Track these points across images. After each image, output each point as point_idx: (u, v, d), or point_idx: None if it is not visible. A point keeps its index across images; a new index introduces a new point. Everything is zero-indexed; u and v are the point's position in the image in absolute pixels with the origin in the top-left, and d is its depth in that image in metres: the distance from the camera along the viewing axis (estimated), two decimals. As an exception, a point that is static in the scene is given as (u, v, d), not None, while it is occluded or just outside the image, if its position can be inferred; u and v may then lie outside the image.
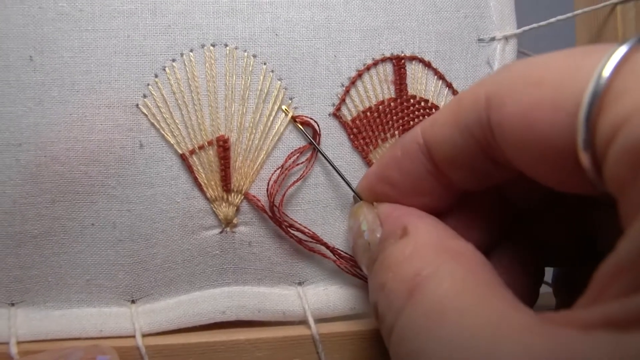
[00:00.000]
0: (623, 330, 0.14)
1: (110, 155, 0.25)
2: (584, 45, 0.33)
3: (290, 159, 0.26)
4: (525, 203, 0.25)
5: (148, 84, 0.25)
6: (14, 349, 0.23)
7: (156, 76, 0.25)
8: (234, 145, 0.26)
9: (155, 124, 0.25)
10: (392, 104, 0.28)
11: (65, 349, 0.23)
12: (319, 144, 0.26)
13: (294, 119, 0.26)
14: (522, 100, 0.18)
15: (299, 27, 0.26)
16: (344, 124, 0.27)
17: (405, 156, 0.23)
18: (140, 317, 0.25)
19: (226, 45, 0.26)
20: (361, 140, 0.27)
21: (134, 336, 0.24)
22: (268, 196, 0.26)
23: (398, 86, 0.28)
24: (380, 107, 0.28)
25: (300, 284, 0.27)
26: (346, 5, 0.27)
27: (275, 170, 0.26)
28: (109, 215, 0.25)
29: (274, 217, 0.26)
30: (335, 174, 0.27)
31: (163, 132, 0.25)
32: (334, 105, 0.27)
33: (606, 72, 0.16)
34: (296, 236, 0.26)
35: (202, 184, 0.25)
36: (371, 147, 0.27)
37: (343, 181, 0.26)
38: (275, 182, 0.26)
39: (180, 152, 0.25)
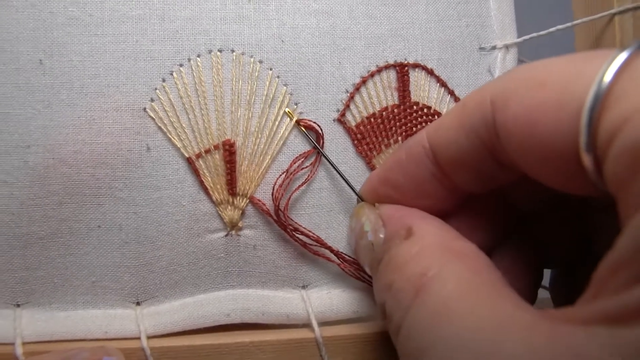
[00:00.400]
0: (621, 324, 0.14)
1: (118, 158, 0.25)
2: (583, 54, 0.33)
3: (295, 163, 0.27)
4: (527, 205, 0.25)
5: (156, 88, 0.25)
6: (19, 350, 0.23)
7: (164, 80, 0.25)
8: (240, 150, 0.26)
9: (162, 127, 0.25)
10: (395, 110, 0.28)
11: (70, 350, 0.23)
12: (322, 147, 0.27)
13: (297, 122, 0.27)
14: (525, 101, 0.18)
15: (304, 34, 0.27)
16: (348, 130, 0.27)
17: (409, 159, 0.23)
18: (145, 319, 0.25)
19: (233, 51, 0.26)
20: (365, 146, 0.28)
21: (139, 338, 0.24)
22: (273, 200, 0.26)
23: (401, 93, 0.28)
24: (384, 113, 0.28)
25: (304, 287, 0.27)
26: (351, 13, 0.27)
27: (281, 175, 0.26)
28: (116, 218, 0.25)
29: (279, 220, 0.26)
30: (339, 178, 0.27)
31: (170, 136, 0.25)
32: (338, 111, 0.27)
33: (607, 76, 0.16)
34: (301, 240, 0.26)
35: (208, 187, 0.26)
36: (375, 152, 0.28)
37: (347, 185, 0.27)
38: (280, 186, 0.26)
39: (186, 155, 0.26)
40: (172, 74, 0.25)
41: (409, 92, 0.28)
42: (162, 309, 0.26)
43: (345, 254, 0.27)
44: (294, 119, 0.27)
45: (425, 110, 0.28)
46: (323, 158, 0.27)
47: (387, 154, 0.28)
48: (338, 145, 0.27)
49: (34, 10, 0.24)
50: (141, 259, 0.25)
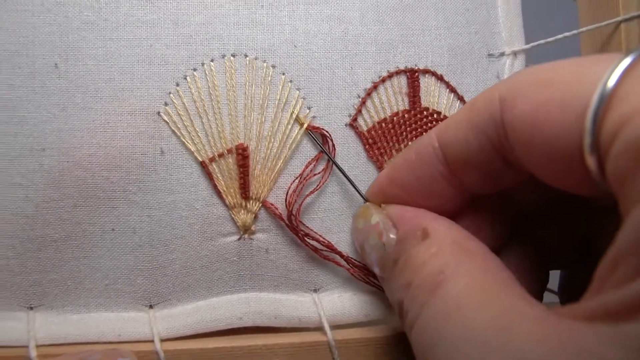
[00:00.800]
0: (623, 318, 0.15)
1: (132, 162, 0.25)
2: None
3: (307, 167, 0.27)
4: (530, 208, 0.25)
5: (169, 93, 0.25)
6: (33, 353, 0.23)
7: (177, 85, 0.26)
8: (253, 154, 0.26)
9: (176, 131, 0.26)
10: (406, 115, 0.28)
11: (83, 352, 0.23)
12: (334, 153, 0.27)
13: (307, 128, 0.27)
14: (532, 100, 0.19)
15: (317, 39, 0.27)
16: (360, 134, 0.28)
17: (419, 159, 0.23)
18: (159, 322, 0.25)
19: (246, 56, 0.26)
20: (376, 151, 0.28)
21: (152, 341, 0.24)
22: (287, 205, 0.26)
23: (412, 98, 0.28)
24: (395, 118, 0.28)
25: (315, 290, 0.27)
26: (362, 19, 0.28)
27: (294, 180, 0.26)
28: (129, 221, 0.25)
29: (291, 225, 0.26)
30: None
31: (184, 140, 0.26)
32: (350, 115, 0.28)
33: (612, 79, 0.17)
34: (312, 245, 0.27)
35: (222, 191, 0.26)
36: (386, 157, 0.28)
37: (356, 189, 0.27)
38: (294, 191, 0.26)
39: (200, 159, 0.26)
40: (185, 78, 0.26)
41: (419, 98, 0.29)
42: (175, 312, 0.26)
43: (355, 259, 0.27)
44: (305, 125, 0.27)
45: (435, 115, 0.29)
46: (334, 164, 0.27)
47: (397, 158, 0.28)
48: (350, 150, 0.28)
49: (50, 14, 0.25)
50: (154, 262, 0.25)
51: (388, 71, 0.28)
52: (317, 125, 0.27)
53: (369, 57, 0.28)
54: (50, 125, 0.24)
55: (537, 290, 0.25)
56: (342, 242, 0.27)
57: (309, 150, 0.27)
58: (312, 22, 0.27)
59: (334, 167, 0.27)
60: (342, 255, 0.27)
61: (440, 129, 0.23)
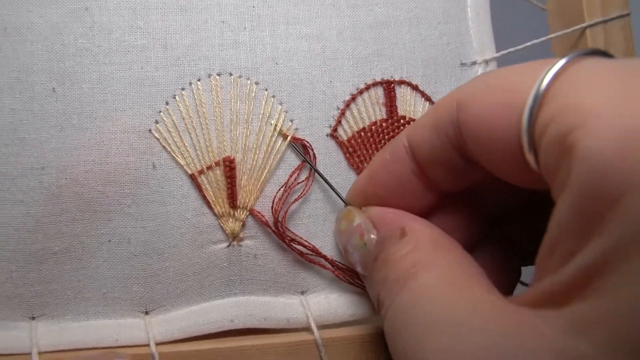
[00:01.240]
0: (560, 304, 0.16)
1: (126, 177, 0.27)
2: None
3: (292, 176, 0.28)
4: (499, 206, 0.27)
5: (160, 111, 0.27)
6: (35, 359, 0.25)
7: (167, 104, 0.27)
8: (239, 165, 0.28)
9: (167, 147, 0.27)
10: (384, 124, 0.30)
11: (82, 356, 0.24)
12: (315, 161, 0.29)
13: (291, 140, 0.28)
14: (482, 102, 0.21)
15: (297, 57, 0.29)
16: (340, 144, 0.29)
17: (393, 158, 0.25)
18: (154, 327, 0.26)
19: (231, 74, 0.28)
20: (356, 159, 0.30)
21: (148, 345, 0.26)
22: (273, 213, 0.28)
23: (389, 108, 0.30)
24: (373, 127, 0.30)
25: (302, 293, 0.29)
26: (339, 36, 0.30)
27: (280, 189, 0.28)
28: (125, 232, 0.27)
29: (278, 232, 0.28)
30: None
31: (174, 155, 0.27)
32: (330, 126, 0.29)
33: (545, 81, 0.19)
34: (298, 249, 0.28)
35: (211, 201, 0.28)
36: (365, 164, 0.30)
37: (338, 195, 0.28)
38: (279, 199, 0.28)
39: (189, 172, 0.27)
40: (174, 97, 0.27)
41: (396, 107, 0.30)
42: (170, 317, 0.27)
43: (339, 262, 0.29)
44: (289, 137, 0.28)
45: (411, 123, 0.30)
46: (316, 172, 0.29)
47: (377, 165, 0.30)
48: (332, 159, 0.29)
49: (47, 42, 0.26)
50: (149, 271, 0.27)
51: (365, 83, 0.30)
52: (299, 136, 0.29)
53: (347, 71, 0.30)
54: (49, 145, 0.26)
55: (506, 284, 0.26)
56: (327, 246, 0.29)
57: (292, 161, 0.29)
58: (292, 40, 0.29)
59: (317, 175, 0.29)
60: (327, 259, 0.28)
61: (410, 130, 0.25)
